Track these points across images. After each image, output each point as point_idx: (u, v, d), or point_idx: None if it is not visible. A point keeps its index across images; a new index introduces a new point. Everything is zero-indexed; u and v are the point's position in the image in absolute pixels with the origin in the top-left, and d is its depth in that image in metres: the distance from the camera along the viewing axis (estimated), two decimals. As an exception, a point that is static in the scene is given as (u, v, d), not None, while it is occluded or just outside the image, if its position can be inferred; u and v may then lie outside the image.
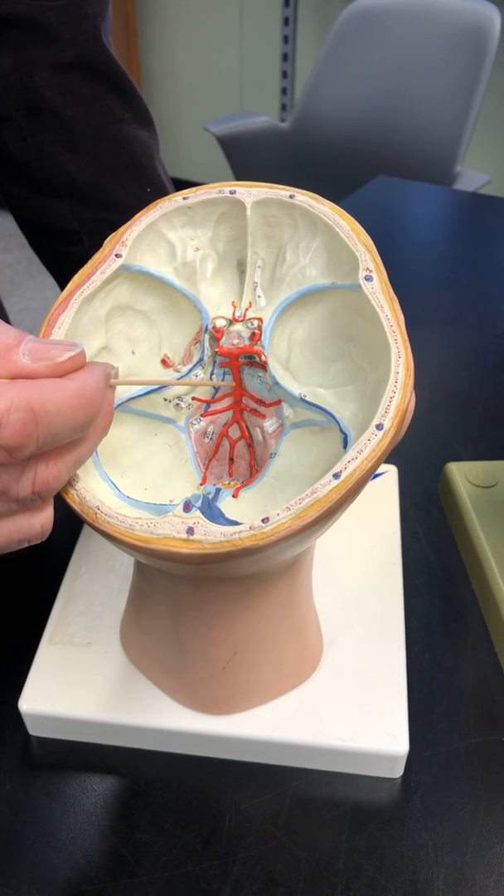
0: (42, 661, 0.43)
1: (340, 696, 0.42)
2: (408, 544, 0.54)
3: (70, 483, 0.30)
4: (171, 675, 0.41)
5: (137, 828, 0.39)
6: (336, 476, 0.29)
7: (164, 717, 0.41)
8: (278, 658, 0.40)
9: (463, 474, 0.55)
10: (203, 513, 0.31)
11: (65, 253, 0.57)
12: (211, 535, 0.29)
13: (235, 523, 0.31)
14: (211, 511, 0.33)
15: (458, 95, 1.41)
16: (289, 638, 0.40)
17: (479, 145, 1.94)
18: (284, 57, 2.10)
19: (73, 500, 0.30)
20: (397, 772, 0.41)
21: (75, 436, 0.26)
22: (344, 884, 0.37)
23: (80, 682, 0.42)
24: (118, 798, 0.40)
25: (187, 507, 0.31)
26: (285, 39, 2.07)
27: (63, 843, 0.38)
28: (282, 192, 0.36)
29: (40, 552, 0.53)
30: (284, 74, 2.13)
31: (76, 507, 0.30)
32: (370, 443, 0.30)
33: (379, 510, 0.53)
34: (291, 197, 0.36)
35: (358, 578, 0.48)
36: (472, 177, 1.46)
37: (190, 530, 0.29)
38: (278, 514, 0.29)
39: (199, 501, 0.32)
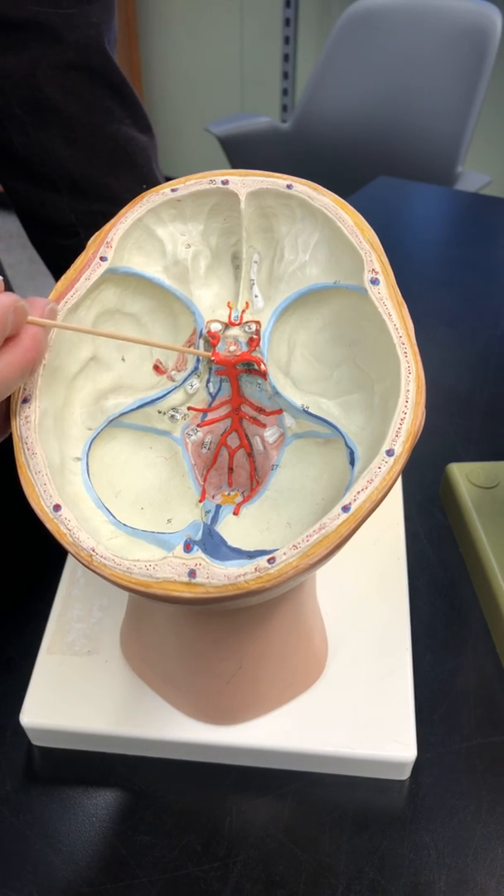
0: (42, 671, 0.42)
1: (347, 701, 0.41)
2: (409, 545, 0.53)
3: (62, 520, 0.29)
4: (174, 688, 0.40)
5: (138, 829, 0.39)
6: (345, 509, 0.27)
7: (169, 729, 0.40)
8: (284, 668, 0.39)
9: (464, 475, 0.55)
10: (205, 544, 0.29)
11: (62, 247, 0.59)
12: (214, 579, 0.27)
13: (239, 553, 0.29)
14: (212, 540, 0.31)
15: (459, 96, 1.41)
16: (295, 648, 0.39)
17: (480, 146, 1.94)
18: (285, 57, 2.10)
19: (66, 540, 0.28)
20: (404, 775, 0.41)
21: None
22: (345, 885, 0.37)
23: (82, 693, 0.41)
24: (119, 800, 0.40)
25: (188, 546, 0.29)
26: (286, 40, 2.07)
27: (64, 844, 0.38)
28: (279, 180, 0.34)
29: (35, 556, 0.53)
30: (285, 75, 2.13)
31: (70, 549, 0.28)
32: (381, 470, 0.28)
33: (382, 507, 0.52)
34: (289, 187, 0.34)
35: (362, 578, 0.47)
36: (473, 177, 1.46)
37: (192, 573, 0.27)
38: (285, 554, 0.27)
39: (199, 532, 0.31)
